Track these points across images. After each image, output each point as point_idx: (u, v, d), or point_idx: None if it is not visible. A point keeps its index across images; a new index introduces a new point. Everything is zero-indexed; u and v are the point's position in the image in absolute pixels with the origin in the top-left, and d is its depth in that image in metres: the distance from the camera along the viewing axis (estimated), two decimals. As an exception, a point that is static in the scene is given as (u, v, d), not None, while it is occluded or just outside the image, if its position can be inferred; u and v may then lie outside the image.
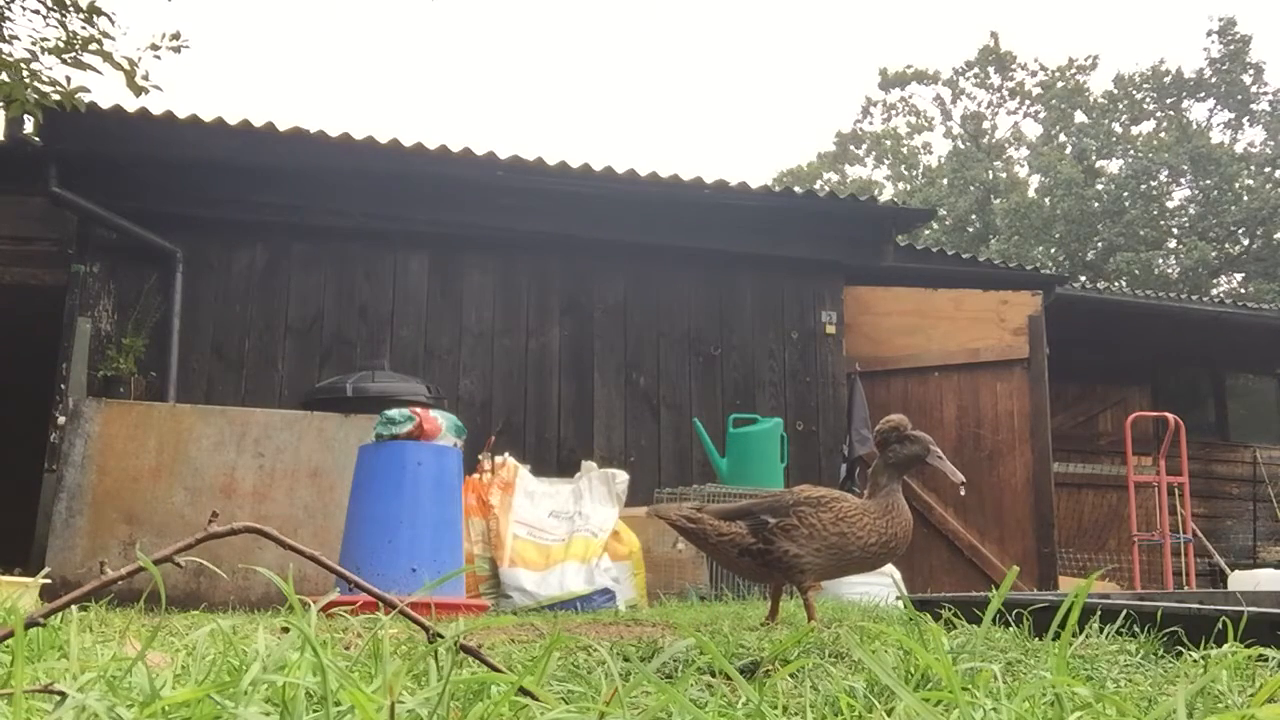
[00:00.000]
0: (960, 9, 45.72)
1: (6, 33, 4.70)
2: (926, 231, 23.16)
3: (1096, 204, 23.26)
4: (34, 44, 4.63)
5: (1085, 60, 26.17)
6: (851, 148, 29.22)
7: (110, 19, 4.67)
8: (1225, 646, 1.62)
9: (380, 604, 1.21)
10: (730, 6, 57.36)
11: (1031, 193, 25.54)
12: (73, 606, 1.16)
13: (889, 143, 28.55)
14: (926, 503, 8.12)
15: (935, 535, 8.07)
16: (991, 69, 27.19)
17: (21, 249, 7.29)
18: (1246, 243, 23.45)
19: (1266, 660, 1.53)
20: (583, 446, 7.41)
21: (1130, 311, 10.37)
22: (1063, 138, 25.39)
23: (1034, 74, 26.76)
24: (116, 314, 6.90)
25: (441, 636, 1.10)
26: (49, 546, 5.13)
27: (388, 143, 7.25)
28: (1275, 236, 23.13)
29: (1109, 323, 10.25)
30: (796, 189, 9.03)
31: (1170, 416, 8.60)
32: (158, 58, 4.80)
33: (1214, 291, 22.38)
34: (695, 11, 57.75)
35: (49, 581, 3.36)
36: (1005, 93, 27.35)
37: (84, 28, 4.61)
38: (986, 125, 27.62)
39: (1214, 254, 22.78)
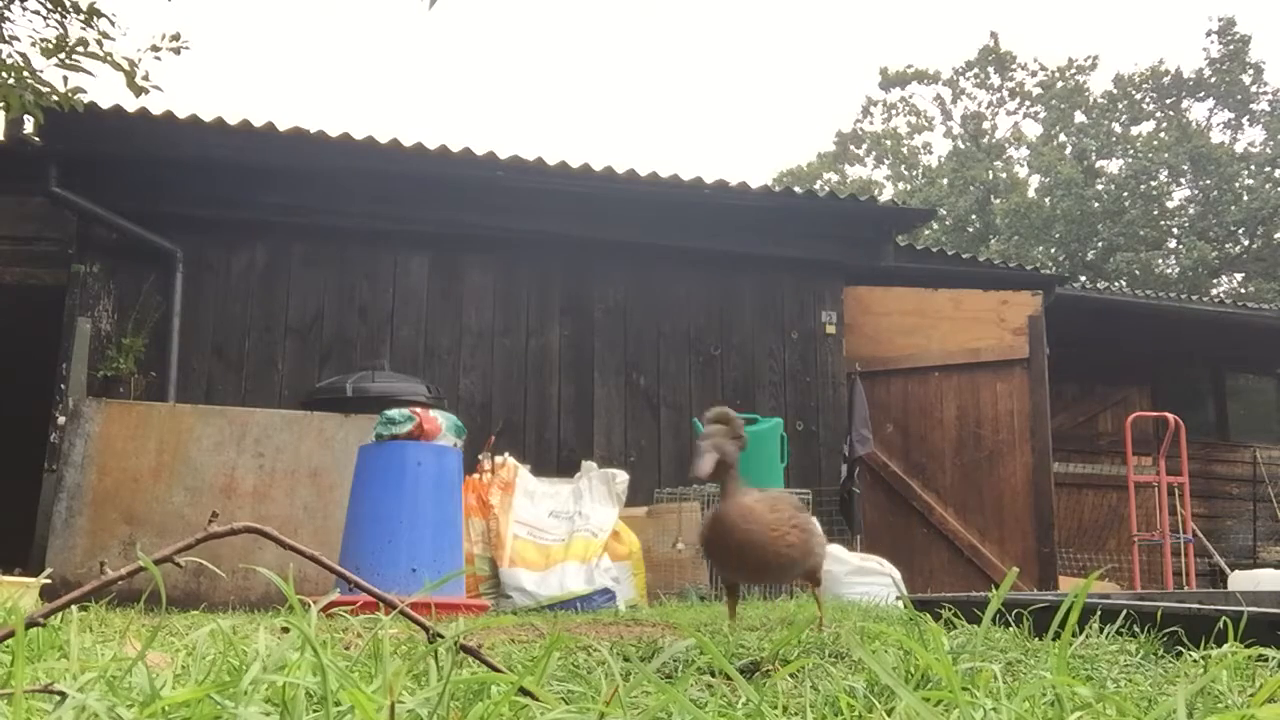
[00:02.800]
0: (960, 9, 45.73)
1: (6, 33, 4.69)
2: (926, 231, 23.16)
3: (1096, 204, 23.26)
4: (33, 44, 4.63)
5: (1085, 60, 26.18)
6: (851, 148, 29.21)
7: (110, 20, 4.66)
8: (1225, 646, 1.62)
9: (380, 604, 1.21)
10: (730, 6, 57.38)
11: (1031, 193, 25.53)
12: (73, 606, 1.16)
13: (889, 143, 28.53)
14: (926, 503, 8.12)
15: (935, 535, 8.06)
16: (991, 69, 27.18)
17: (21, 249, 7.29)
18: (1246, 243, 23.44)
19: (1266, 660, 1.53)
20: (583, 446, 7.40)
21: (1130, 311, 10.37)
22: (1063, 138, 25.39)
23: (1034, 74, 26.76)
24: (116, 314, 6.90)
25: (441, 636, 1.10)
26: (49, 546, 5.13)
27: (388, 143, 7.25)
28: (1275, 236, 23.13)
29: (1109, 323, 10.25)
30: (796, 189, 9.03)
31: (1170, 416, 8.60)
32: (158, 58, 4.79)
33: (1214, 291, 22.38)
34: (696, 12, 57.77)
35: (49, 581, 3.36)
36: (1005, 93, 27.35)
37: (83, 29, 4.60)
38: (986, 125, 27.62)
39: (1214, 254, 22.77)
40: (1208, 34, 24.28)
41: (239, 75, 55.70)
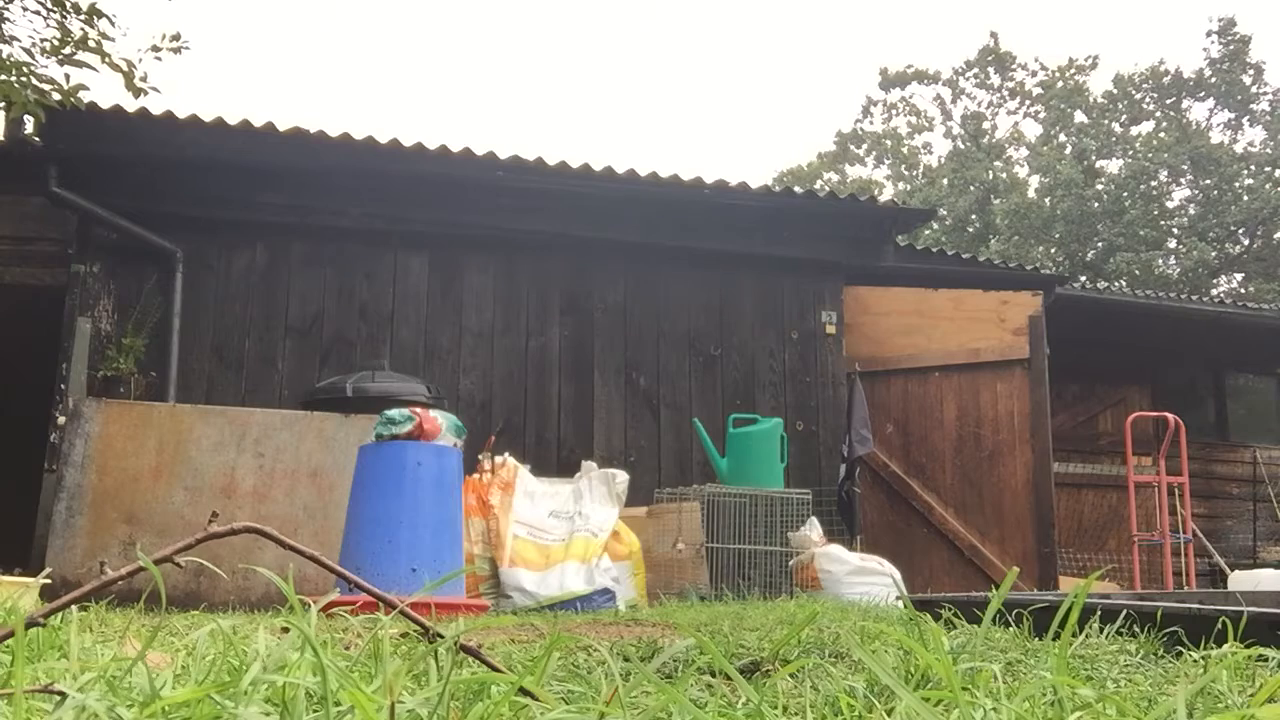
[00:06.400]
0: (960, 9, 45.73)
1: (6, 33, 4.70)
2: (926, 231, 23.15)
3: (1096, 204, 23.25)
4: (33, 44, 4.63)
5: (1085, 60, 26.18)
6: (852, 147, 29.21)
7: (111, 20, 4.67)
8: (1225, 646, 1.62)
9: (380, 604, 1.21)
10: (730, 6, 57.37)
11: (1031, 193, 25.53)
12: (73, 606, 1.16)
13: (889, 143, 28.53)
14: (927, 503, 8.11)
15: (935, 535, 8.06)
16: (991, 69, 27.18)
17: (21, 249, 7.29)
18: (1246, 243, 23.44)
19: (1266, 660, 1.53)
20: (583, 446, 7.40)
21: (1130, 311, 10.37)
22: (1063, 138, 25.38)
23: (1034, 74, 26.77)
24: (116, 314, 6.90)
25: (441, 636, 1.10)
26: (49, 546, 5.13)
27: (388, 143, 7.25)
28: (1275, 236, 23.12)
29: (1109, 323, 10.25)
30: (796, 189, 9.02)
31: (1170, 416, 8.60)
32: (158, 59, 4.81)
33: (1214, 291, 22.37)
34: (695, 11, 57.76)
35: (49, 581, 3.36)
36: (1005, 93, 27.34)
37: (84, 29, 4.61)
38: (986, 125, 27.61)
39: (1214, 254, 22.77)
40: (1208, 34, 24.30)
41: (239, 75, 55.69)
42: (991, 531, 7.96)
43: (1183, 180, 23.91)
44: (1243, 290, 23.02)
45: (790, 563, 6.29)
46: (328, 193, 7.26)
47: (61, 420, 6.34)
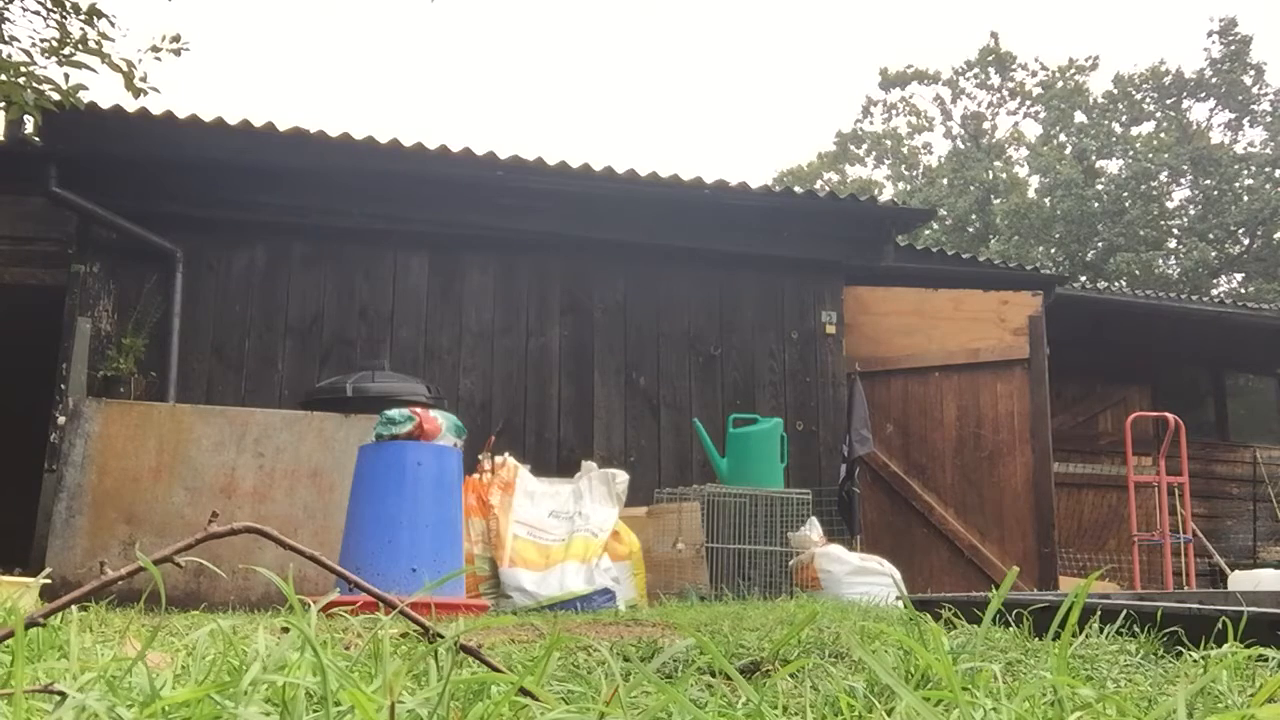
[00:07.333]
0: (960, 9, 45.72)
1: (6, 33, 4.70)
2: (926, 231, 23.15)
3: (1096, 204, 23.25)
4: (33, 45, 4.63)
5: (1085, 60, 26.19)
6: (852, 148, 29.21)
7: (111, 20, 4.67)
8: (1225, 646, 1.62)
9: (380, 604, 1.21)
10: (730, 6, 57.37)
11: (1031, 193, 25.53)
12: (73, 606, 1.16)
13: (889, 143, 28.53)
14: (927, 503, 8.11)
15: (936, 535, 8.06)
16: (991, 69, 27.18)
17: (21, 249, 7.29)
18: (1246, 243, 23.44)
19: (1266, 660, 1.53)
20: (583, 446, 7.40)
21: (1130, 311, 10.37)
22: (1063, 138, 25.39)
23: (1034, 74, 26.78)
24: (116, 314, 6.90)
25: (441, 636, 1.10)
26: (49, 546, 5.13)
27: (388, 143, 7.25)
28: (1275, 236, 23.12)
29: (1109, 323, 10.25)
30: (796, 189, 9.02)
31: (1170, 416, 8.60)
32: (158, 59, 4.81)
33: (1214, 291, 22.37)
34: (695, 11, 57.76)
35: (49, 581, 3.35)
36: (1005, 93, 27.35)
37: (83, 29, 4.61)
38: (986, 125, 27.61)
39: (1214, 254, 22.77)
40: (1209, 34, 24.31)
41: (239, 75, 55.69)
42: (991, 531, 7.96)
43: (1183, 180, 23.92)
44: (1243, 290, 23.02)
45: (790, 563, 6.29)
46: (328, 193, 7.26)
47: (61, 420, 6.34)
